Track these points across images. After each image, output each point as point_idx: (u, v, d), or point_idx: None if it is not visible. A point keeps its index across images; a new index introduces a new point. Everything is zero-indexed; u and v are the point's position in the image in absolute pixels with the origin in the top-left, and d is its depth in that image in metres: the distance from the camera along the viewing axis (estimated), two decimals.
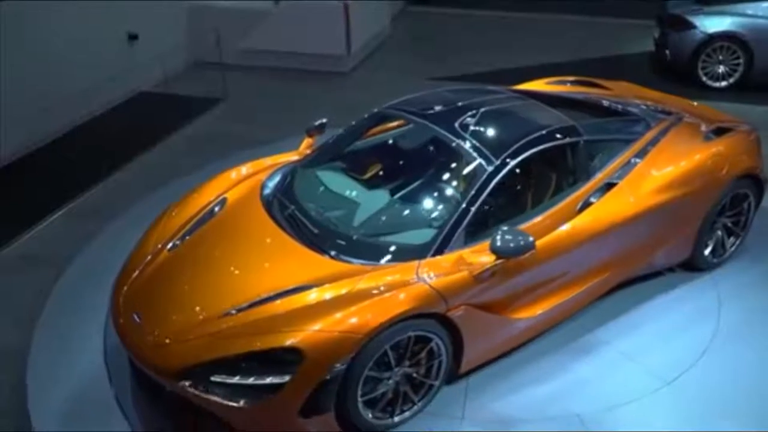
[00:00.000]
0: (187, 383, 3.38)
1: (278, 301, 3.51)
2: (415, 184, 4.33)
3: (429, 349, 3.66)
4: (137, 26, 8.42)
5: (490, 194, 3.90)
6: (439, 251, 3.74)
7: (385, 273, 3.59)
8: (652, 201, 4.34)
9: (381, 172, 4.53)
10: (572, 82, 5.91)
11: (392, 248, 3.78)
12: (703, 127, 4.91)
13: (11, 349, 4.54)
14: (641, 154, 4.53)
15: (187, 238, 4.13)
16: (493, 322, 3.84)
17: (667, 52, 8.65)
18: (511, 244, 3.60)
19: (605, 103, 5.16)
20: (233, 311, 3.52)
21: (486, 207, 3.94)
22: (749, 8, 8.17)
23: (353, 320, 3.35)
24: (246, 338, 3.37)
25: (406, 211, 4.13)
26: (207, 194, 4.45)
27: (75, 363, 4.19)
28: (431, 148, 4.44)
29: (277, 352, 3.31)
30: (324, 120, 4.89)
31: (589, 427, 3.72)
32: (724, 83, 8.34)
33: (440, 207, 4.05)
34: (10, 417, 4.09)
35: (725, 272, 4.93)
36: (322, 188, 4.36)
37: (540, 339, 4.26)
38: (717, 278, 4.87)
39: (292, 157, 4.78)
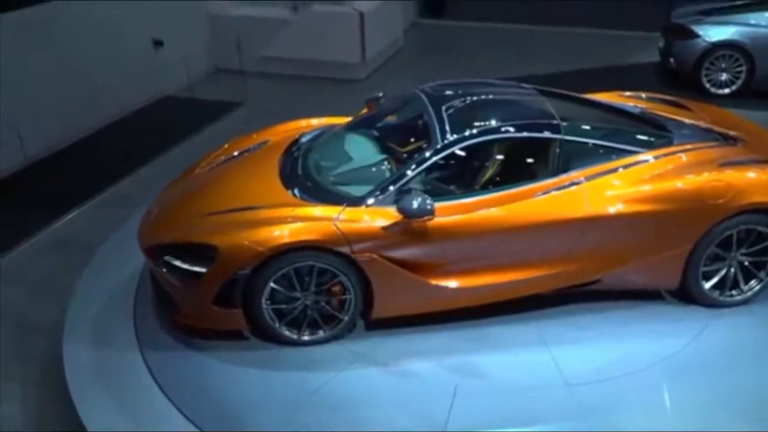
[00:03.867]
0: (149, 257, 4.30)
1: (236, 213, 4.25)
2: (396, 151, 4.74)
3: (339, 286, 4.13)
4: (162, 34, 8.83)
5: (438, 168, 4.33)
6: (369, 205, 4.18)
7: (314, 210, 4.16)
8: (613, 210, 4.19)
9: (388, 140, 4.90)
10: (647, 98, 5.59)
11: (336, 195, 4.31)
12: (743, 157, 4.53)
13: (48, 324, 4.86)
14: (635, 164, 4.37)
15: (224, 164, 5.03)
16: (408, 280, 4.13)
17: (672, 60, 8.90)
18: (410, 205, 3.99)
19: (635, 112, 5.10)
20: (206, 215, 4.34)
21: (431, 179, 4.37)
22: (751, 18, 8.40)
23: (263, 236, 3.99)
24: (194, 232, 4.20)
25: (372, 171, 4.56)
26: (266, 135, 5.38)
27: (107, 335, 4.47)
28: (421, 123, 4.77)
29: (204, 246, 4.08)
30: (381, 93, 5.52)
31: (460, 393, 3.82)
32: (726, 90, 8.55)
33: (394, 171, 4.42)
34: (49, 387, 4.39)
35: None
36: (340, 146, 4.87)
37: (488, 315, 4.35)
38: (718, 310, 4.43)
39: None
